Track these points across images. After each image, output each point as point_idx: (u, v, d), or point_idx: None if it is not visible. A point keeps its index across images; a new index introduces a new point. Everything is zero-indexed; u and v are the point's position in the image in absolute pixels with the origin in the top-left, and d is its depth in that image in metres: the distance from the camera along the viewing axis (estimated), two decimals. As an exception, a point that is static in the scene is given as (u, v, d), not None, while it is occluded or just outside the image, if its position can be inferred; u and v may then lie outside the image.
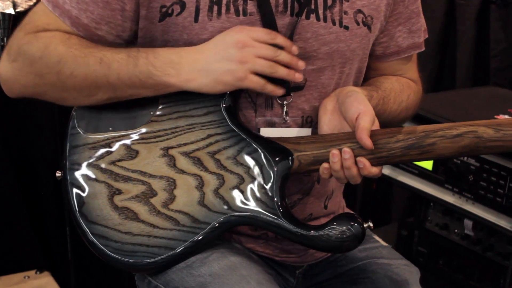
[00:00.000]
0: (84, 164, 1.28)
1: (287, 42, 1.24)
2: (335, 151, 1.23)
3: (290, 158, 1.26)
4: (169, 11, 1.24)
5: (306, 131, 1.32)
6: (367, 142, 1.20)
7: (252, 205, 1.25)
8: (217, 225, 1.25)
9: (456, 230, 2.07)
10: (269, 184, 1.25)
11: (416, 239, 2.19)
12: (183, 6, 1.24)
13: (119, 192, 1.27)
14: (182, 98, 1.28)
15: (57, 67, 1.23)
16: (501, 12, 2.63)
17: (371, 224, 1.36)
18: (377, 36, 1.39)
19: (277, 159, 1.26)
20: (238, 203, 1.25)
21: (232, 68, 1.21)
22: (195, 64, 1.22)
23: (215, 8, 1.24)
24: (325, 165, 1.24)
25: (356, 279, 1.39)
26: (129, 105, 1.27)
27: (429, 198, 2.05)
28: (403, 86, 1.44)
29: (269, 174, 1.26)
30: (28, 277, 2.14)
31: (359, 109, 1.23)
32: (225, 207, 1.25)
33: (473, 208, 1.94)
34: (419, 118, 1.99)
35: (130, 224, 1.25)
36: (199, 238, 1.25)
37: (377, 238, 1.50)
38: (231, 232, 1.35)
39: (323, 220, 1.41)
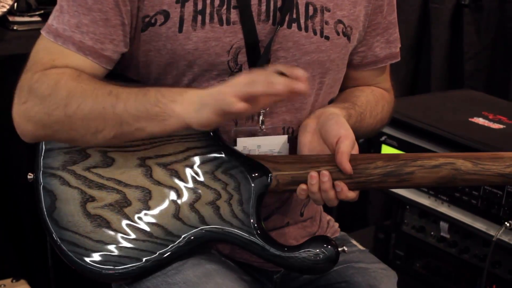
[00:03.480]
0: (58, 168, 1.26)
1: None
2: (313, 173, 1.22)
3: (268, 176, 1.26)
4: (152, 21, 1.24)
5: (282, 138, 1.32)
6: (347, 166, 1.20)
7: (227, 221, 1.25)
8: (190, 239, 1.25)
9: (432, 233, 2.08)
10: (246, 202, 1.25)
11: (393, 242, 2.20)
12: (167, 17, 1.23)
13: (93, 199, 1.26)
14: None
15: (65, 101, 1.19)
16: (474, 15, 2.65)
17: (345, 248, 1.38)
18: (355, 46, 1.40)
19: (255, 176, 1.26)
20: (213, 219, 1.25)
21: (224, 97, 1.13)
22: (199, 94, 1.17)
23: (199, 18, 1.24)
24: (302, 186, 1.23)
25: (333, 283, 1.39)
26: None
27: (405, 201, 2.06)
28: (377, 98, 1.45)
29: (246, 191, 1.25)
30: (4, 285, 2.11)
31: (339, 132, 1.23)
32: (200, 221, 1.25)
33: (449, 210, 1.95)
34: (394, 122, 2.00)
35: (102, 233, 1.24)
36: (172, 251, 1.24)
37: (354, 242, 1.51)
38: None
39: (299, 226, 1.42)
